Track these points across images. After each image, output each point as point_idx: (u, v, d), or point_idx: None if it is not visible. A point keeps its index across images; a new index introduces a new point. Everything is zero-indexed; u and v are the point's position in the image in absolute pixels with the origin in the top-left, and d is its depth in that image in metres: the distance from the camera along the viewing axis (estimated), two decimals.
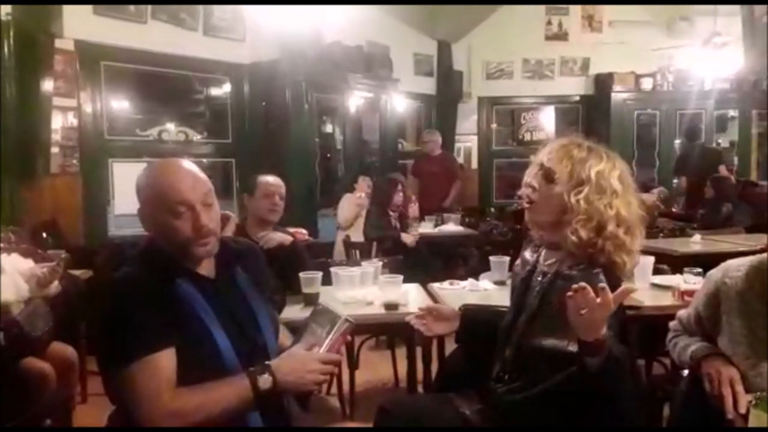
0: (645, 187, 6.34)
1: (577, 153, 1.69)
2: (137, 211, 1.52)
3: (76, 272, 3.45)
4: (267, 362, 1.44)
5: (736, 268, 1.64)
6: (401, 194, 5.03)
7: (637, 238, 1.69)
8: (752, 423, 1.28)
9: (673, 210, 6.50)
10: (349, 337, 1.54)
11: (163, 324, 1.38)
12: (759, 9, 6.87)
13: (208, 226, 1.46)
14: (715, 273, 1.70)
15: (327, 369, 1.47)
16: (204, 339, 1.42)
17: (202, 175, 1.51)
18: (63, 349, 2.72)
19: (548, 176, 1.70)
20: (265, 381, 1.39)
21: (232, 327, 1.47)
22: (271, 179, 3.08)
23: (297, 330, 1.61)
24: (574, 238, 1.65)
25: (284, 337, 1.67)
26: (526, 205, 1.76)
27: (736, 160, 8.56)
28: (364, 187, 5.48)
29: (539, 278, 1.76)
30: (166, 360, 1.37)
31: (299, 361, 1.45)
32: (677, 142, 8.49)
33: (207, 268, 1.53)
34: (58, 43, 4.41)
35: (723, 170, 6.78)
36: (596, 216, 1.64)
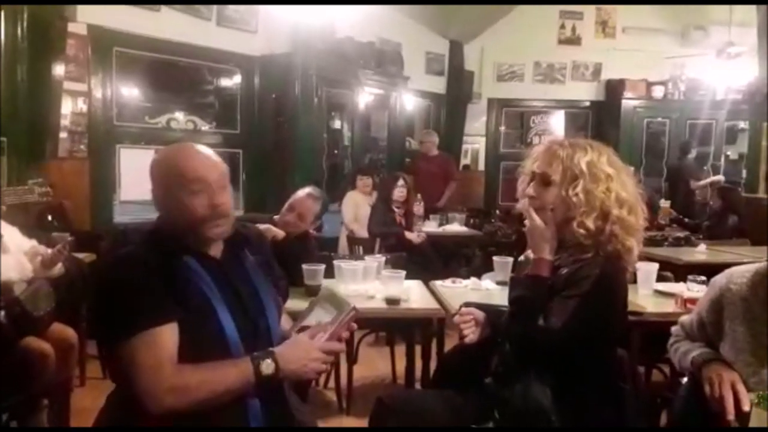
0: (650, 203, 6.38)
1: (563, 151, 1.73)
2: (151, 192, 1.52)
3: (80, 255, 3.46)
4: (271, 348, 1.45)
5: (740, 274, 1.64)
6: (403, 190, 5.00)
7: (640, 216, 1.73)
8: (753, 422, 1.27)
9: (686, 219, 6.57)
10: (354, 325, 1.56)
11: (166, 298, 1.39)
12: None
13: (224, 205, 1.48)
14: (719, 279, 1.70)
15: (328, 358, 1.48)
16: (207, 316, 1.42)
17: (218, 158, 1.55)
18: (63, 330, 2.73)
19: (544, 181, 1.73)
20: (267, 366, 1.40)
21: (236, 307, 1.47)
22: (299, 194, 3.08)
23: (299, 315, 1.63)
24: (582, 230, 1.67)
25: (285, 322, 1.68)
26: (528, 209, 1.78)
27: (744, 172, 8.52)
28: (361, 186, 5.48)
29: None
30: (167, 335, 1.37)
31: (302, 349, 1.46)
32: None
33: (215, 250, 1.54)
34: (71, 27, 4.42)
35: (693, 184, 7.27)
36: (598, 204, 1.67)
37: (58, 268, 2.78)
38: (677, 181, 7.64)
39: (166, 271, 1.42)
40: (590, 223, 1.66)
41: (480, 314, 1.90)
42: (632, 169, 1.81)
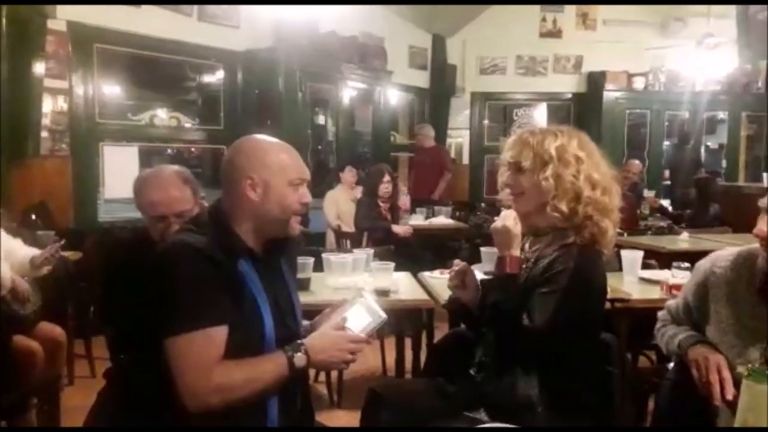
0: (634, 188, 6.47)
1: (533, 138, 1.75)
2: (234, 179, 1.48)
3: (66, 254, 3.43)
4: (300, 341, 1.46)
5: (724, 257, 1.67)
6: (388, 184, 5.01)
7: (614, 197, 1.75)
8: (743, 394, 1.29)
9: (668, 208, 6.70)
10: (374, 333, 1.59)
11: (226, 299, 1.39)
12: (753, 6, 6.92)
13: (309, 204, 1.55)
14: (703, 263, 1.73)
15: (356, 348, 1.50)
16: (254, 321, 1.43)
17: None
18: (51, 329, 2.71)
19: (517, 169, 1.76)
20: (299, 359, 1.42)
21: (276, 313, 1.48)
22: None
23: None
24: (556, 214, 1.70)
25: None
26: (511, 197, 1.80)
27: (724, 162, 8.65)
28: (349, 177, 5.48)
29: (523, 265, 1.78)
30: (220, 336, 1.37)
31: (331, 340, 1.48)
32: (666, 143, 8.59)
33: (261, 251, 1.53)
34: (51, 24, 4.37)
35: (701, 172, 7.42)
36: (569, 187, 1.69)
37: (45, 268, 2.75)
38: (680, 171, 7.84)
39: (228, 273, 1.41)
40: (563, 207, 1.69)
41: (473, 278, 1.88)
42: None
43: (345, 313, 1.55)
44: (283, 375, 1.41)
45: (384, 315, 1.56)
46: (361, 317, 1.55)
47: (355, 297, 1.59)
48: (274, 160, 1.49)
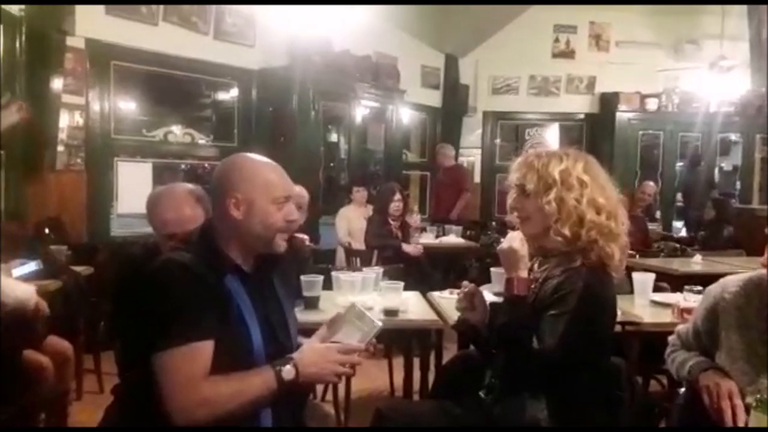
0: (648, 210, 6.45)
1: (538, 161, 1.76)
2: (220, 197, 1.50)
3: (78, 268, 3.45)
4: (290, 355, 1.47)
5: (734, 283, 1.65)
6: (399, 203, 5.01)
7: (620, 222, 1.74)
8: (752, 424, 1.27)
9: (682, 230, 6.68)
10: (374, 341, 1.58)
11: (212, 314, 1.40)
12: (766, 30, 6.92)
13: (297, 221, 1.57)
14: (714, 288, 1.71)
15: (347, 359, 1.49)
16: (242, 337, 1.44)
17: None
18: (59, 342, 2.71)
19: (523, 191, 1.77)
20: (288, 372, 1.42)
21: (266, 329, 1.49)
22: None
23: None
24: (559, 238, 1.70)
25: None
26: (518, 220, 1.80)
27: (738, 184, 8.60)
28: (358, 196, 5.49)
29: (531, 285, 1.77)
30: (207, 351, 1.38)
31: (319, 353, 1.48)
32: (679, 164, 8.55)
33: (249, 266, 1.55)
34: (69, 41, 4.44)
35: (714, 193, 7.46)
36: (572, 211, 1.69)
37: (53, 282, 2.76)
38: (693, 193, 7.86)
39: (215, 288, 1.43)
40: (566, 231, 1.68)
41: (482, 299, 1.89)
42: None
43: (337, 326, 1.56)
44: (271, 389, 1.41)
45: (378, 323, 1.55)
46: (354, 329, 1.55)
47: (348, 309, 1.59)
48: (259, 179, 1.51)
